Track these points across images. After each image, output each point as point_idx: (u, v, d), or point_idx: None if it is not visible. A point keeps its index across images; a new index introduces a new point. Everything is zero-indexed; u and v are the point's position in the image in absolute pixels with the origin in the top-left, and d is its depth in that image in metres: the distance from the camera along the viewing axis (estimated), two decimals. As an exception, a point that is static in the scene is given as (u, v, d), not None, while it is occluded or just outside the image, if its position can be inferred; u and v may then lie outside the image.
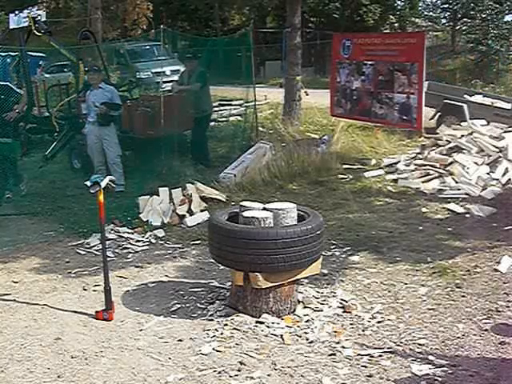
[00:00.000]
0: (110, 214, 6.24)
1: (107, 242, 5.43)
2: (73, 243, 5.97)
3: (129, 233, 6.17)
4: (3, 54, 11.24)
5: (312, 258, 4.00)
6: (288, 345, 3.70)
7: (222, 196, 7.13)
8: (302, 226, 3.92)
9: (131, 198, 7.14)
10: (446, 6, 27.44)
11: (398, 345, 3.64)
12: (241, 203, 4.27)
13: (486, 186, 6.94)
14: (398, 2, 31.99)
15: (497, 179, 7.04)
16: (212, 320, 4.05)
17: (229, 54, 11.13)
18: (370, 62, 9.60)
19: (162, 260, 5.45)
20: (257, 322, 3.94)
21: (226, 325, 3.93)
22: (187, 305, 4.35)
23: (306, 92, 11.69)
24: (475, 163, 7.42)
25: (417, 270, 4.85)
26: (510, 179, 7.03)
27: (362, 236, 5.76)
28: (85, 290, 4.76)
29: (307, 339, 3.76)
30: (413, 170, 7.80)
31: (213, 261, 4.53)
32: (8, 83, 9.72)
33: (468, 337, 3.70)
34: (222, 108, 13.51)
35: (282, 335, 3.81)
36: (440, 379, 3.23)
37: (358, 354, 3.54)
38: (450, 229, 5.85)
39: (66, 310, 4.35)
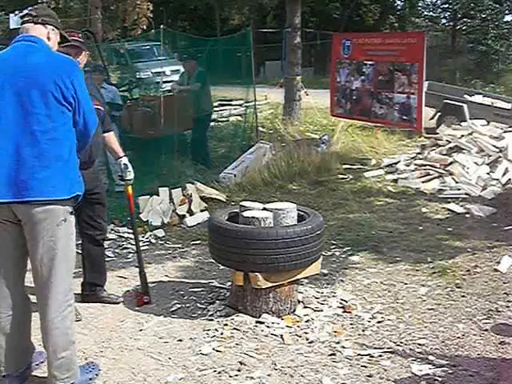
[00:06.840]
0: (109, 214, 6.23)
1: (107, 242, 5.43)
2: (73, 243, 5.95)
3: (129, 233, 6.17)
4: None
5: (312, 257, 3.99)
6: (288, 345, 3.70)
7: (222, 196, 7.12)
8: (302, 226, 3.91)
9: (131, 198, 7.12)
10: (445, 5, 27.47)
11: (398, 345, 3.64)
12: (241, 203, 4.27)
13: (486, 186, 6.94)
14: (398, 2, 32.03)
15: (497, 179, 7.04)
16: (212, 320, 4.04)
17: (229, 54, 11.13)
18: (370, 62, 9.61)
19: (162, 260, 5.45)
20: (257, 321, 3.94)
21: (225, 325, 3.92)
22: (187, 305, 4.35)
23: (306, 92, 11.70)
24: (475, 163, 7.42)
25: (417, 270, 4.85)
26: (510, 179, 7.03)
27: (361, 236, 5.75)
28: (85, 289, 4.76)
29: (307, 339, 3.76)
30: (413, 170, 7.80)
31: (213, 261, 4.52)
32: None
33: (468, 337, 3.69)
34: (222, 108, 13.50)
35: (282, 335, 3.80)
36: (440, 379, 3.23)
37: (358, 354, 3.53)
38: (450, 229, 5.85)
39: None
